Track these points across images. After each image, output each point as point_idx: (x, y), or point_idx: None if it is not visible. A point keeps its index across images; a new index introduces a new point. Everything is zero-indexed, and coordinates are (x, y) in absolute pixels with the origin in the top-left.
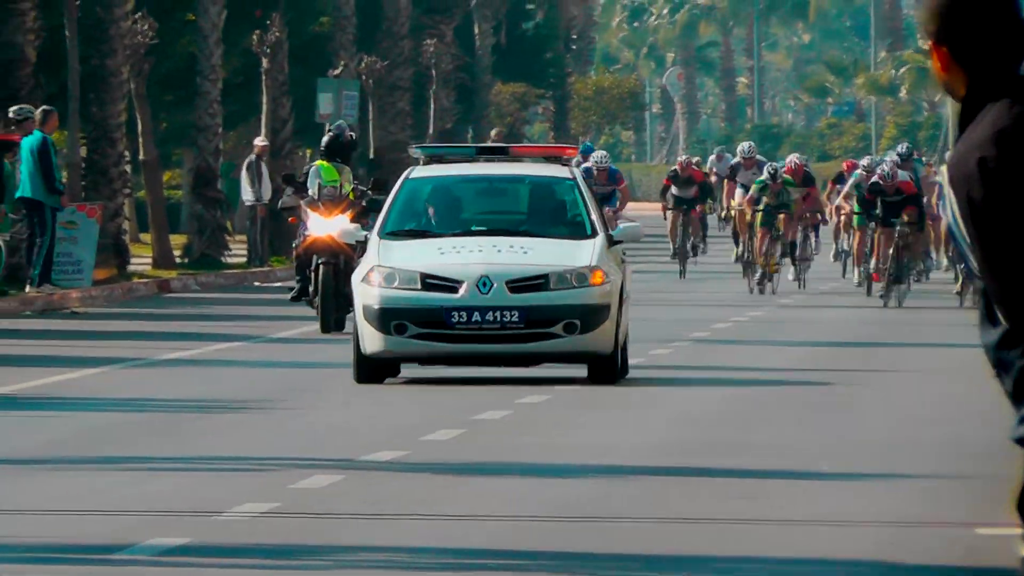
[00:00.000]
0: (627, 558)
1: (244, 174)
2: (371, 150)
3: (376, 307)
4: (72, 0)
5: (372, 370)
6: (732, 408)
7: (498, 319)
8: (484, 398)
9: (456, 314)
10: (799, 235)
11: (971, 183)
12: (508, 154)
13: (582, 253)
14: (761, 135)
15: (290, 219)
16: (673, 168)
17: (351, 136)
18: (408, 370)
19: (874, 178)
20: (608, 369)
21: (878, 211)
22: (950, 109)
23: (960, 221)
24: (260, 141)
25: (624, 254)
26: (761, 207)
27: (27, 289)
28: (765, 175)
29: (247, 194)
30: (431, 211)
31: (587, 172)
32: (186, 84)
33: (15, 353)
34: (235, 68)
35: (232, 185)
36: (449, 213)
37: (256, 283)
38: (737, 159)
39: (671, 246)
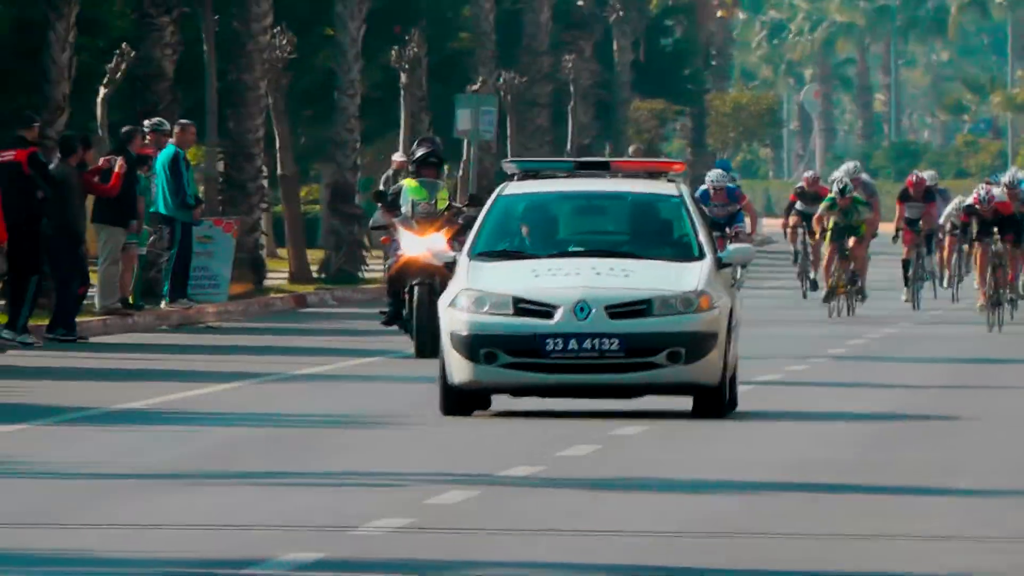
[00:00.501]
0: (761, 574)
1: (382, 188)
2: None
3: (464, 333)
4: (210, 15)
5: (460, 401)
6: (861, 427)
7: (596, 347)
8: (583, 431)
9: (551, 341)
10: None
11: None
12: (609, 169)
13: (688, 277)
14: (898, 152)
15: (382, 239)
16: (799, 184)
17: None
18: (499, 402)
19: (969, 200)
20: (715, 402)
21: (972, 231)
22: None
23: None
24: (398, 156)
25: (739, 277)
26: (830, 225)
27: (162, 304)
28: (834, 191)
29: None
30: (525, 230)
31: (704, 195)
32: (324, 99)
33: (151, 368)
34: (374, 83)
35: (369, 200)
36: (544, 233)
37: None
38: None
39: (796, 268)
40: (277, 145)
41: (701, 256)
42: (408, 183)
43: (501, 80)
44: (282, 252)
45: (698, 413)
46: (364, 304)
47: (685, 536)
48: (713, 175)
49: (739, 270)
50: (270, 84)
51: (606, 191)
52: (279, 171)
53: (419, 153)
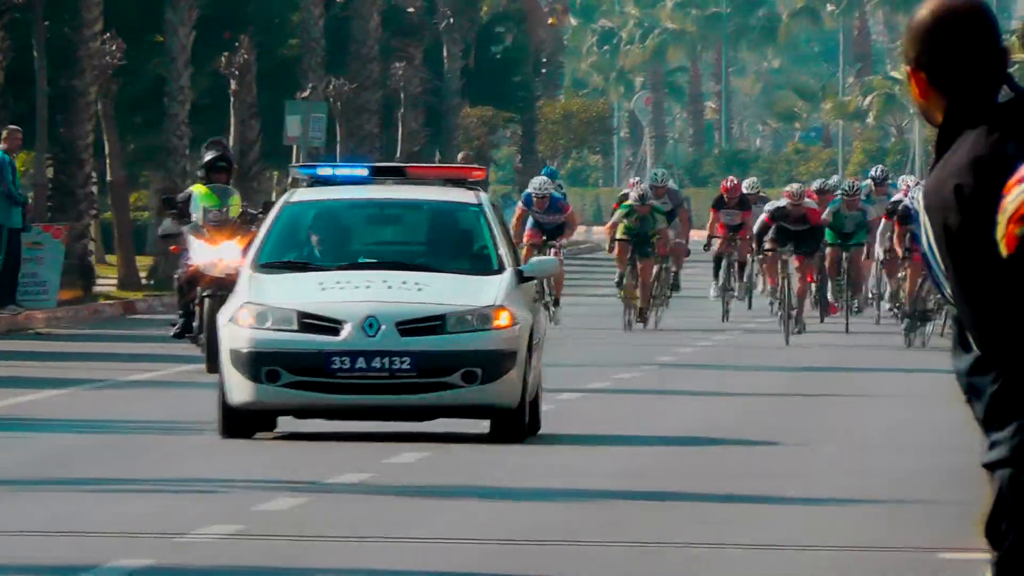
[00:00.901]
0: None
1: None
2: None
3: (245, 350)
4: (40, 20)
5: (240, 423)
6: (695, 432)
7: (386, 366)
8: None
9: (337, 359)
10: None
11: (947, 210)
12: (405, 176)
13: (486, 291)
14: (728, 160)
15: (171, 248)
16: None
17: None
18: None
19: (780, 202)
20: (514, 425)
21: (770, 237)
22: (917, 135)
23: (935, 248)
24: None
25: (676, 280)
26: (619, 233)
27: None
28: (633, 197)
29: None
30: (314, 240)
31: (527, 200)
32: (154, 105)
33: None
34: (203, 90)
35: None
36: (334, 243)
37: None
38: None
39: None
40: (107, 151)
41: (500, 269)
42: (198, 189)
43: (331, 87)
44: (111, 259)
45: (496, 437)
46: None
47: (515, 544)
48: (536, 182)
49: (675, 274)
50: (100, 90)
51: (401, 199)
52: (108, 177)
53: (208, 157)
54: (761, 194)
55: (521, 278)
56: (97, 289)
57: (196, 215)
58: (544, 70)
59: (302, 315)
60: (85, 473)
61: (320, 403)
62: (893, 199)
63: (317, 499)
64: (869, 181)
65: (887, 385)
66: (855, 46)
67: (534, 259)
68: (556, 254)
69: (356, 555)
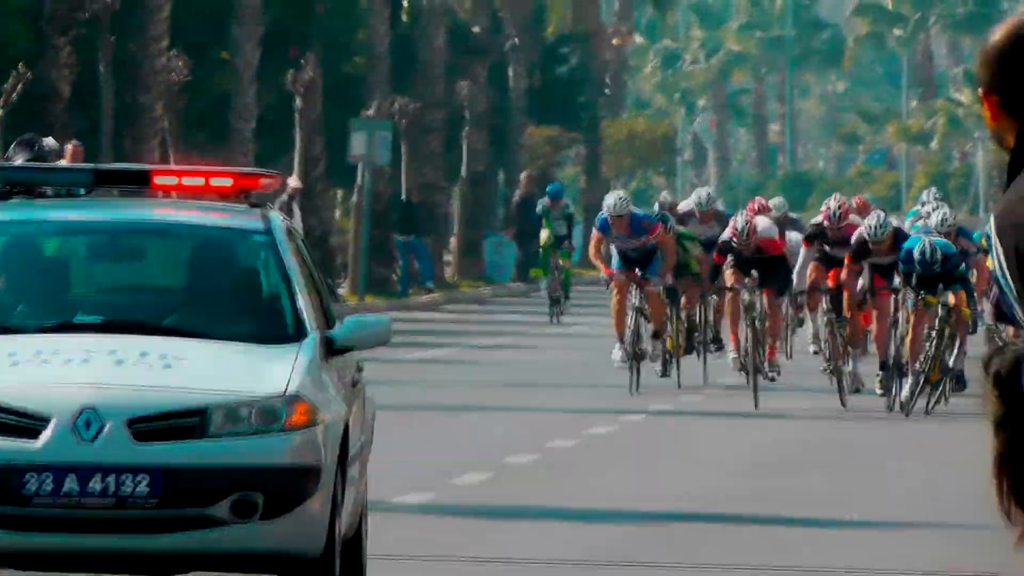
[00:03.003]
0: None
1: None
2: (403, 192)
3: None
4: (107, 36)
5: None
6: (762, 457)
7: (112, 489)
8: None
9: (33, 478)
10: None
11: (1019, 233)
12: (148, 185)
13: (274, 370)
14: (792, 182)
15: None
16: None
17: None
18: None
19: (727, 233)
20: None
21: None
22: (981, 159)
23: (1007, 271)
24: (293, 181)
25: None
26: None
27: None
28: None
29: None
30: (1, 285)
31: (602, 225)
32: (219, 122)
33: None
34: (269, 106)
35: None
36: (36, 291)
37: None
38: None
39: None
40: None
41: (299, 334)
42: None
43: (396, 105)
44: None
45: None
46: None
47: (580, 565)
48: (609, 200)
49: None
50: (166, 106)
51: (143, 221)
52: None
53: (18, 161)
54: (791, 216)
55: (332, 349)
56: None
57: None
58: (608, 90)
59: None
60: None
61: (6, 546)
62: (814, 221)
63: (380, 519)
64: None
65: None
66: (919, 70)
67: (352, 319)
68: (652, 299)
69: (419, 574)
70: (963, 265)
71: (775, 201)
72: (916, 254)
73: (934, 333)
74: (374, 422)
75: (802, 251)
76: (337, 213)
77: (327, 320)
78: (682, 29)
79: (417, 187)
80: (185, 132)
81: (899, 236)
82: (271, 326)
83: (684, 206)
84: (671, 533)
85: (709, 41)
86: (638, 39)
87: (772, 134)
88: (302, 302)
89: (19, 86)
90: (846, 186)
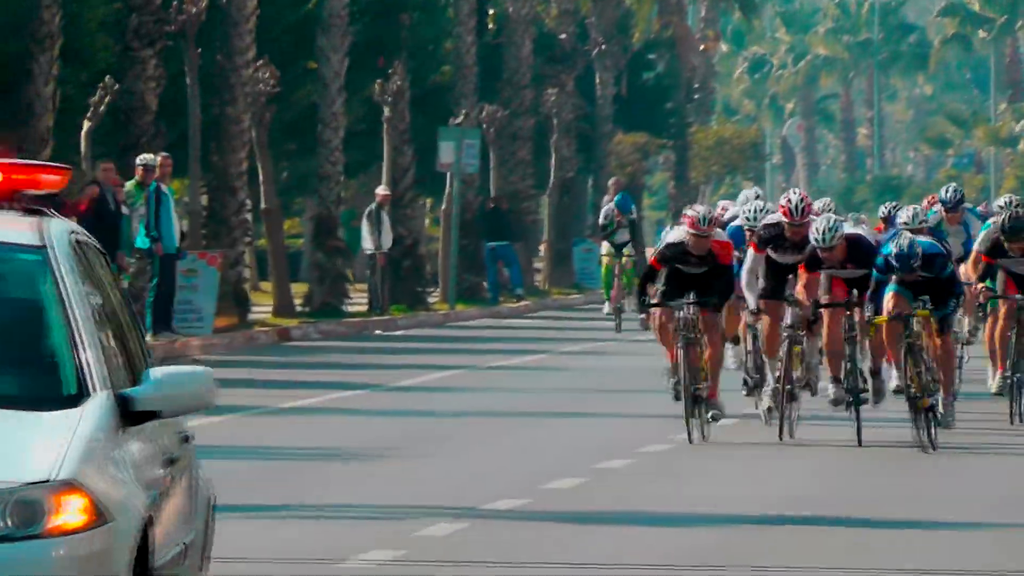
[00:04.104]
0: None
1: (365, 223)
2: (491, 200)
3: None
4: (193, 48)
5: None
6: (846, 461)
7: None
8: None
9: None
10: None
11: None
12: None
13: (39, 446)
14: (881, 186)
15: None
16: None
17: None
18: None
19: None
20: None
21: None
22: None
23: None
24: (382, 190)
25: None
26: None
27: (147, 337)
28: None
29: (367, 243)
30: None
31: (735, 235)
32: (308, 132)
33: None
34: (357, 117)
35: (353, 234)
36: None
37: (377, 331)
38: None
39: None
40: (260, 179)
41: (82, 394)
42: None
43: (484, 113)
44: (265, 286)
45: None
46: (348, 338)
47: (673, 569)
48: (746, 199)
49: (963, 322)
50: (253, 117)
51: None
52: (262, 205)
53: None
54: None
55: (131, 415)
56: (252, 316)
57: None
58: (696, 96)
59: None
60: (240, 500)
61: None
62: (767, 221)
63: (476, 524)
64: (940, 207)
65: None
66: (1007, 72)
67: (159, 374)
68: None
69: None
70: (949, 267)
71: (822, 202)
72: (893, 248)
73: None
74: (213, 513)
75: (749, 256)
76: (427, 222)
77: (133, 374)
78: (769, 34)
79: (506, 195)
80: (273, 143)
81: (859, 245)
82: (39, 383)
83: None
84: (765, 536)
85: (796, 46)
86: (724, 46)
87: (860, 138)
88: (88, 350)
89: (106, 99)
90: (935, 190)
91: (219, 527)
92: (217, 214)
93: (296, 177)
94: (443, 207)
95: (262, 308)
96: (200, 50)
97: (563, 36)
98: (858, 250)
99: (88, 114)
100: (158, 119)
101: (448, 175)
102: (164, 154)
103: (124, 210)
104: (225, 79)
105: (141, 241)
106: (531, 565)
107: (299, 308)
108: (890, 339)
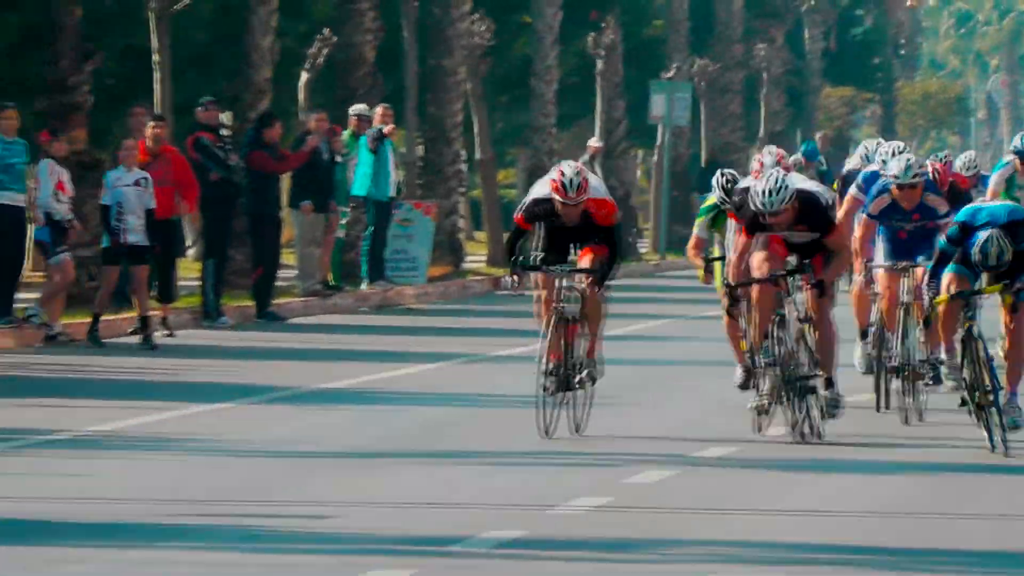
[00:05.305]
0: (948, 553)
1: None
2: (702, 152)
3: None
4: (411, 1)
5: None
6: None
7: None
8: None
9: None
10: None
11: None
12: None
13: None
14: None
15: None
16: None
17: None
18: None
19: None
20: None
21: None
22: None
23: None
24: (594, 142)
25: None
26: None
27: (362, 286)
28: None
29: None
30: None
31: (881, 188)
32: (521, 85)
33: (352, 348)
34: (570, 69)
35: None
36: None
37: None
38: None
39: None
40: (475, 130)
41: None
42: None
43: (695, 67)
44: (479, 236)
45: None
46: None
47: (873, 516)
48: (878, 150)
49: None
50: (469, 70)
51: None
52: (477, 155)
53: None
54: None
55: None
56: (466, 265)
57: None
58: (903, 52)
59: None
60: (457, 446)
61: None
62: (744, 185)
63: (683, 472)
64: (1013, 157)
65: None
66: None
67: None
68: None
69: (720, 527)
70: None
71: (966, 156)
72: (981, 236)
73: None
74: None
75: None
76: (638, 173)
77: None
78: None
79: (718, 148)
80: (488, 95)
81: (809, 201)
82: None
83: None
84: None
85: (1001, 2)
86: (931, 1)
87: None
88: None
89: (324, 51)
90: None
91: (440, 472)
92: (432, 164)
93: (510, 128)
94: (654, 159)
95: (476, 257)
96: (417, 3)
97: None
98: (812, 210)
99: (305, 65)
100: (376, 70)
101: (659, 127)
102: (385, 104)
103: (338, 159)
104: (441, 32)
105: (356, 189)
106: (737, 512)
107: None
108: (947, 323)
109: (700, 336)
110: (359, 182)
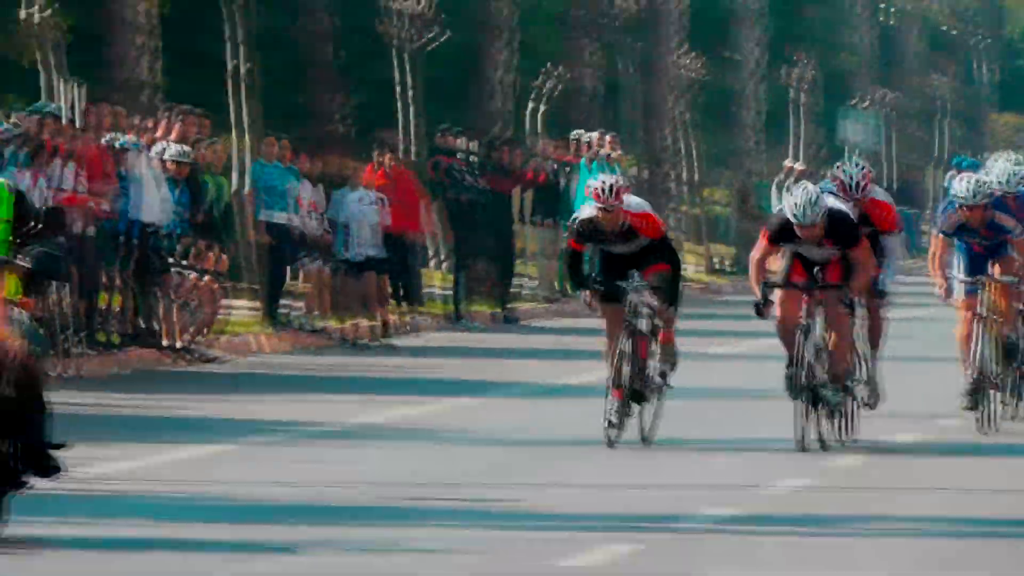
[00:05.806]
0: None
1: (774, 190)
2: (894, 177)
3: None
4: (629, 39)
5: None
6: None
7: None
8: None
9: None
10: None
11: None
12: None
13: None
14: None
15: None
16: None
17: None
18: None
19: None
20: None
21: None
22: None
23: None
24: (789, 162)
25: None
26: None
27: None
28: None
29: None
30: None
31: (951, 207)
32: (729, 113)
33: (583, 348)
34: (771, 99)
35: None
36: None
37: None
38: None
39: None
40: (685, 153)
41: None
42: None
43: (880, 96)
44: (687, 246)
45: None
46: None
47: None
48: (961, 187)
49: None
50: (681, 99)
51: None
52: (684, 176)
53: None
54: None
55: None
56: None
57: None
58: None
59: None
60: (679, 433)
61: None
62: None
63: (878, 458)
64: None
65: None
66: None
67: None
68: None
69: (912, 505)
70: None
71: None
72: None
73: None
74: None
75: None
76: None
77: None
78: None
79: (901, 168)
80: (699, 123)
81: (839, 219)
82: None
83: None
84: None
85: None
86: None
87: None
88: None
89: (553, 84)
90: None
91: (651, 457)
92: (649, 184)
93: (718, 151)
94: None
95: (689, 266)
96: (640, 44)
97: (945, 28)
98: (840, 227)
99: (533, 96)
100: (596, 101)
101: (845, 150)
102: (614, 133)
103: (561, 180)
104: (656, 66)
105: (578, 206)
106: (930, 490)
107: (727, 269)
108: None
109: (891, 334)
110: (580, 200)
